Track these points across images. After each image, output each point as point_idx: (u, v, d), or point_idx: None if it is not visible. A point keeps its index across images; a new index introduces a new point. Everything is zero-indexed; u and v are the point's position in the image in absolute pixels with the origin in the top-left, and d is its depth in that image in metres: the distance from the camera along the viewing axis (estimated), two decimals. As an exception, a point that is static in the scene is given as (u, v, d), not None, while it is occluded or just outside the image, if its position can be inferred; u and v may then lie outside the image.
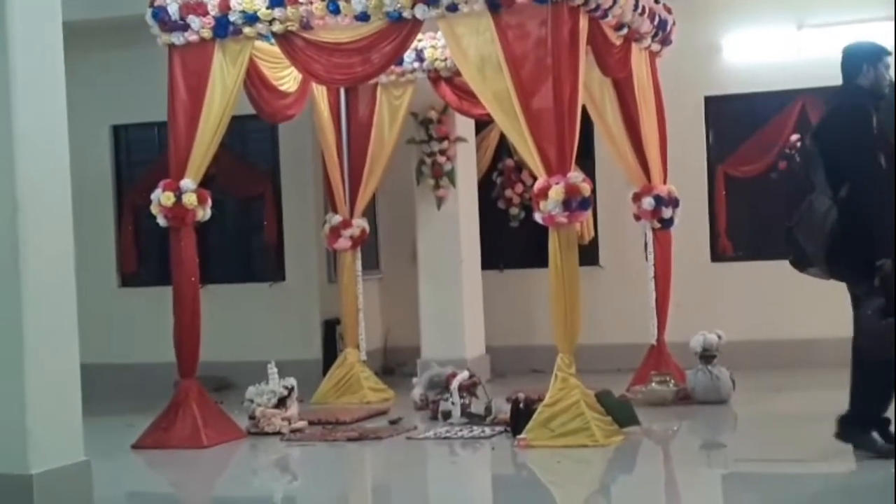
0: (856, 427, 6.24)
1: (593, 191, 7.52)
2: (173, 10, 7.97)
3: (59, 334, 5.71)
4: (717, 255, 10.64)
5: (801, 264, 6.35)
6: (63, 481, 5.59)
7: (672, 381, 8.64)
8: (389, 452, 7.44)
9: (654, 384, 8.60)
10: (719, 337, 8.65)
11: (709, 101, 10.62)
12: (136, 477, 7.35)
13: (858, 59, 6.27)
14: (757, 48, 10.40)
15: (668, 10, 8.88)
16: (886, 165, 6.10)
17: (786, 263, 9.62)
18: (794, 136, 10.32)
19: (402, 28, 7.74)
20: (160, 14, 8.01)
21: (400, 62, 9.18)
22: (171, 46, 8.08)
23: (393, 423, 8.18)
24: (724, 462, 7.26)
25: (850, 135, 6.12)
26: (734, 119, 10.71)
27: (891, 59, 6.33)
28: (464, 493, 6.26)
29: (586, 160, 10.03)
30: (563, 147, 7.20)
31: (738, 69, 10.47)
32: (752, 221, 10.77)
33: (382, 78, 9.41)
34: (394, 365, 11.14)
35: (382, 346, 11.28)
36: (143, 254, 11.37)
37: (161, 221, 8.03)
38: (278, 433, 7.92)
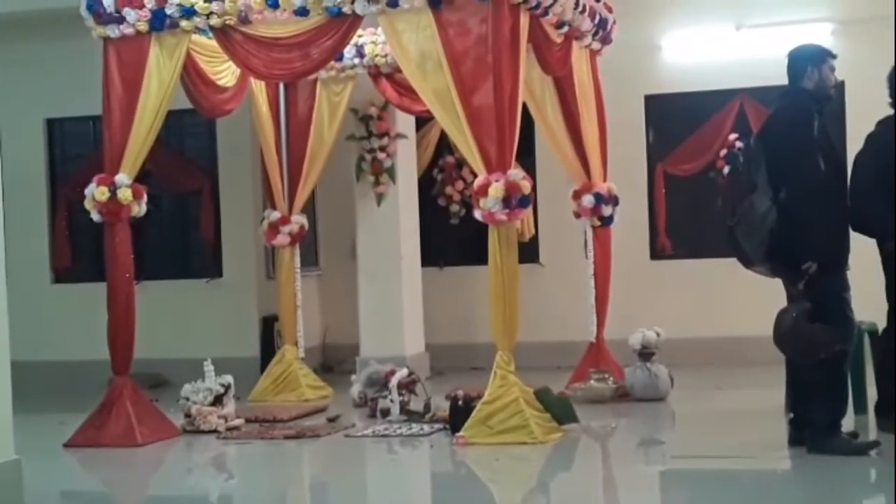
0: (825, 435, 6.23)
1: (533, 188, 7.51)
2: (108, 2, 7.84)
3: (-12, 331, 5.58)
4: (656, 253, 10.71)
5: (745, 262, 6.40)
6: (-8, 481, 5.47)
7: (611, 378, 8.67)
8: (328, 450, 7.39)
9: (593, 381, 8.63)
10: (658, 334, 8.69)
11: (649, 99, 10.68)
12: (69, 476, 7.23)
13: (803, 62, 6.32)
14: (696, 48, 10.48)
15: (609, 9, 8.89)
16: (826, 169, 6.15)
17: (724, 261, 9.70)
18: (733, 136, 10.41)
19: (342, 23, 7.69)
20: (95, 6, 7.87)
21: (340, 58, 9.12)
22: (107, 39, 7.94)
23: (331, 420, 8.12)
24: (662, 459, 7.31)
25: (791, 137, 6.18)
26: (674, 118, 10.78)
27: (835, 62, 6.37)
28: (402, 491, 6.22)
29: (526, 158, 10.05)
30: (504, 144, 7.18)
31: (677, 68, 10.54)
32: (691, 220, 10.84)
33: (322, 73, 9.35)
34: (332, 362, 11.08)
35: (321, 343, 11.22)
36: (77, 249, 11.21)
37: (95, 217, 7.89)
38: (214, 431, 7.83)
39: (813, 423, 6.31)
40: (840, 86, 6.53)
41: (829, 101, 6.47)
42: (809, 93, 6.29)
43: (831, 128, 6.33)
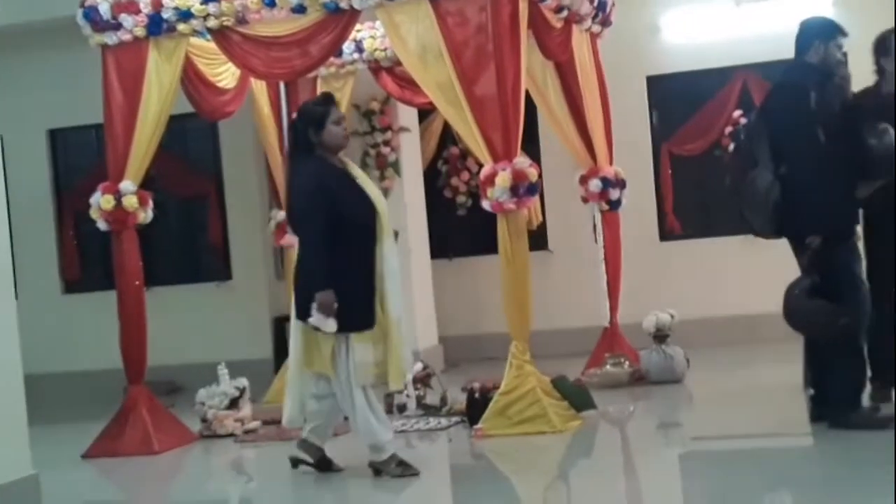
0: (845, 410, 6.20)
1: (540, 175, 7.48)
2: (104, 9, 7.81)
3: None
4: (665, 235, 10.66)
5: (758, 234, 6.38)
6: (10, 497, 5.45)
7: (626, 362, 8.64)
8: (345, 448, 7.34)
9: (608, 367, 8.60)
10: (672, 316, 8.66)
11: (651, 80, 10.63)
12: (88, 487, 7.20)
13: (811, 35, 6.25)
14: (696, 26, 10.41)
15: (608, -8, 8.84)
16: (828, 142, 6.08)
17: (734, 239, 9.79)
18: (737, 113, 10.34)
19: (340, 19, 7.64)
20: (91, 14, 7.85)
21: (339, 54, 9.08)
22: (105, 47, 7.92)
23: (347, 419, 8.06)
24: (682, 441, 7.27)
25: (789, 113, 6.13)
26: (677, 98, 10.73)
27: (844, 39, 6.30)
28: (423, 486, 6.19)
29: (531, 145, 10.00)
30: (508, 133, 7.14)
31: (678, 48, 10.48)
32: (698, 199, 10.81)
33: (322, 70, 9.31)
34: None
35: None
36: (86, 259, 11.19)
37: (101, 225, 7.87)
38: (231, 435, 7.81)
39: (832, 398, 6.26)
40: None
41: (834, 77, 6.39)
42: (812, 67, 6.22)
43: (836, 103, 6.23)
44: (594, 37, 8.96)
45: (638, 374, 8.55)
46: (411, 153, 10.30)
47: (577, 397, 7.32)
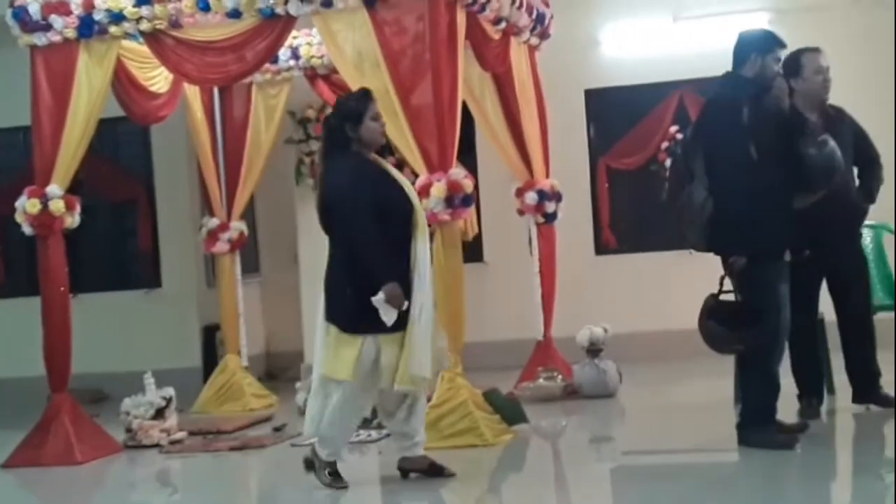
0: (748, 428, 6.23)
1: (476, 187, 7.44)
2: (34, 9, 7.63)
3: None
4: (600, 249, 10.67)
5: (695, 249, 6.41)
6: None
7: (559, 376, 8.62)
8: (274, 461, 7.25)
9: (541, 380, 8.57)
10: (605, 330, 8.65)
11: (589, 94, 10.64)
12: (7, 497, 7.00)
13: (748, 48, 6.22)
14: (635, 41, 10.45)
15: (546, 4, 8.85)
16: (761, 159, 6.07)
17: (669, 254, 9.82)
18: (674, 128, 10.39)
19: (276, 25, 7.54)
20: (21, 14, 7.66)
21: (275, 60, 8.98)
22: (34, 48, 7.73)
23: (277, 430, 7.98)
24: (613, 455, 7.25)
25: (720, 128, 6.13)
26: (614, 112, 10.75)
27: (783, 52, 6.30)
28: (352, 499, 6.10)
29: (468, 156, 9.97)
30: (444, 144, 7.09)
31: (616, 62, 10.52)
32: (634, 213, 10.84)
33: (258, 76, 9.21)
34: (276, 370, 10.92)
35: (264, 351, 11.05)
36: (10, 264, 10.95)
37: (27, 230, 7.68)
38: (157, 445, 7.66)
39: (741, 415, 6.30)
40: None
41: (769, 92, 6.38)
42: (747, 80, 6.21)
43: (771, 117, 6.25)
44: (532, 49, 8.96)
45: (571, 388, 8.53)
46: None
47: (509, 410, 7.28)
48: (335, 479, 6.11)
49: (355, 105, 6.05)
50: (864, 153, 6.92)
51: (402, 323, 5.87)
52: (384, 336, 5.88)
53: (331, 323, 5.97)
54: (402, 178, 6.17)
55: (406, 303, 5.80)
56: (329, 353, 6.00)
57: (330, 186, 6.02)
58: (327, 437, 6.11)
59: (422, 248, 5.97)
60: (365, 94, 6.18)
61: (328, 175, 6.08)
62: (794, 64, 6.70)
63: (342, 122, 6.01)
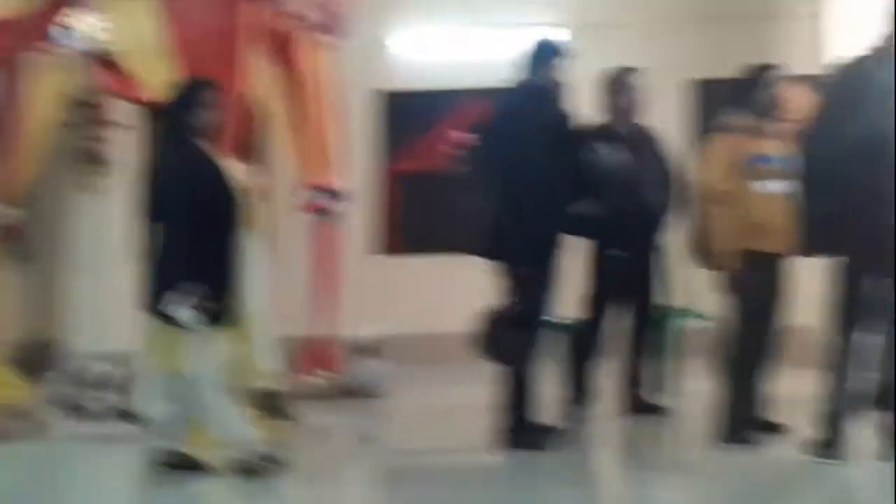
0: (516, 431, 6.43)
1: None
2: None
3: None
4: (385, 249, 10.70)
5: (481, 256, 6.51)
6: None
7: (332, 374, 8.60)
8: (23, 455, 6.94)
9: (312, 378, 8.53)
10: (381, 331, 8.72)
11: (380, 96, 10.65)
12: None
13: (532, 57, 6.42)
14: (428, 45, 10.54)
15: (340, 4, 8.80)
16: (539, 167, 6.22)
17: (452, 258, 9.92)
18: (464, 134, 10.49)
19: (58, 5, 7.24)
20: None
21: (56, 42, 8.60)
22: None
23: (28, 421, 7.64)
24: (381, 455, 7.32)
25: (501, 138, 6.29)
26: (405, 115, 10.82)
27: (561, 60, 6.48)
28: (101, 495, 5.94)
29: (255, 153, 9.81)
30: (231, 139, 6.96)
31: (409, 66, 10.57)
32: (421, 216, 10.92)
33: (36, 58, 8.80)
34: (34, 360, 10.48)
35: (24, 340, 10.59)
36: None
37: None
38: None
39: (504, 418, 6.54)
40: (573, 88, 6.68)
41: (549, 100, 6.53)
42: (531, 88, 6.39)
43: (552, 126, 6.42)
44: (324, 48, 8.89)
45: (342, 387, 8.54)
46: (125, 150, 9.86)
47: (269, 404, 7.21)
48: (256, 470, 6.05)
49: (189, 92, 6.10)
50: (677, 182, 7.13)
51: (230, 317, 6.00)
52: (212, 330, 5.91)
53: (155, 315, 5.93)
54: (230, 170, 6.16)
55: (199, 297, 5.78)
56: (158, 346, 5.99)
57: (155, 173, 6.10)
58: (230, 435, 6.11)
59: (249, 243, 6.10)
60: (199, 82, 6.20)
61: (156, 161, 6.17)
62: (609, 81, 6.97)
63: (176, 109, 6.06)
